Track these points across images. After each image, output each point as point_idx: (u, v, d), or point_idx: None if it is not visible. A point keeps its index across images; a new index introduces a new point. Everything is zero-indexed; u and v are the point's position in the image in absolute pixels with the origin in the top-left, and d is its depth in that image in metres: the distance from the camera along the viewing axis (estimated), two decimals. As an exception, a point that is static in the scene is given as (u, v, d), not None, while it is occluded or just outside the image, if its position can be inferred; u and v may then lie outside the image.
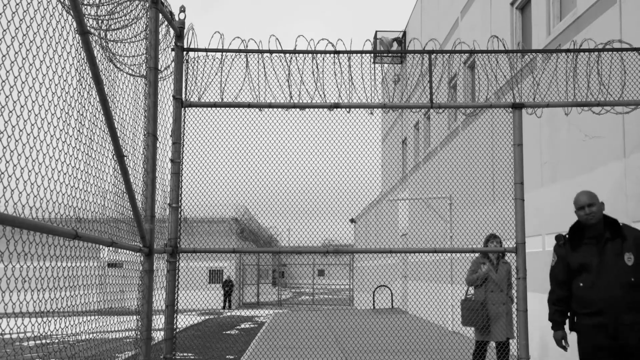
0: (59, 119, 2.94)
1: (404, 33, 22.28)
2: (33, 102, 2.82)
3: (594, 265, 4.60)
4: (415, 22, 20.52)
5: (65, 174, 3.00)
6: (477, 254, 7.62)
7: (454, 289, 13.94)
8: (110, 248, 3.95)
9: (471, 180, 8.07)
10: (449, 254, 14.36)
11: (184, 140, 5.62)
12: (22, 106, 2.66)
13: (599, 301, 4.54)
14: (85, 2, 3.72)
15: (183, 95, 5.65)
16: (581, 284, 4.64)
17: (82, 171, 3.26)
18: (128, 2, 4.58)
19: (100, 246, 3.81)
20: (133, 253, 4.62)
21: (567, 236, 4.86)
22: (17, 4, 2.67)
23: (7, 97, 2.58)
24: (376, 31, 22.41)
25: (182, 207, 5.59)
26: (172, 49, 5.64)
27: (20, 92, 2.64)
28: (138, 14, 4.73)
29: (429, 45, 5.64)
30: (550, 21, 9.26)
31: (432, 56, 5.56)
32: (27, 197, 2.69)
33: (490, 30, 11.85)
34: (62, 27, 3.00)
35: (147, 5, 4.85)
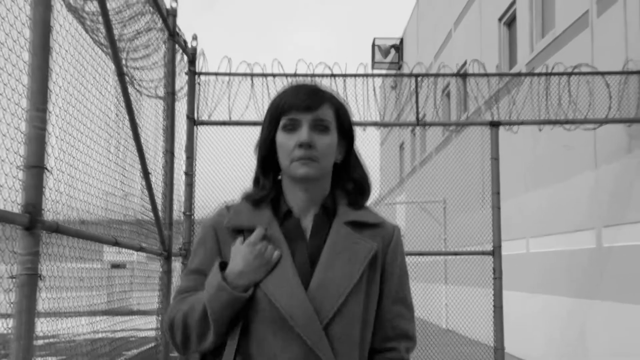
0: (102, 147, 3.57)
1: (402, 40, 22.90)
2: (82, 134, 3.46)
3: None
4: (412, 29, 21.15)
5: (108, 193, 3.64)
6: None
7: (448, 289, 14.64)
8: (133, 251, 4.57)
9: (461, 186, 8.70)
10: (442, 257, 14.95)
11: (196, 155, 6.25)
12: (76, 140, 3.30)
13: None
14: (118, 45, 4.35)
15: (195, 115, 6.28)
16: None
17: (119, 188, 3.90)
18: (149, 35, 5.22)
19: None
20: (153, 256, 5.25)
21: None
22: (72, 56, 3.32)
23: (65, 132, 3.22)
24: (374, 38, 23.00)
25: (195, 215, 6.22)
26: (186, 73, 6.28)
27: (75, 128, 3.29)
28: (157, 45, 5.37)
29: (416, 69, 6.33)
30: (533, 38, 9.90)
31: (419, 79, 6.21)
32: (79, 213, 3.33)
33: (481, 43, 12.48)
34: (105, 72, 3.63)
35: (165, 36, 5.49)
